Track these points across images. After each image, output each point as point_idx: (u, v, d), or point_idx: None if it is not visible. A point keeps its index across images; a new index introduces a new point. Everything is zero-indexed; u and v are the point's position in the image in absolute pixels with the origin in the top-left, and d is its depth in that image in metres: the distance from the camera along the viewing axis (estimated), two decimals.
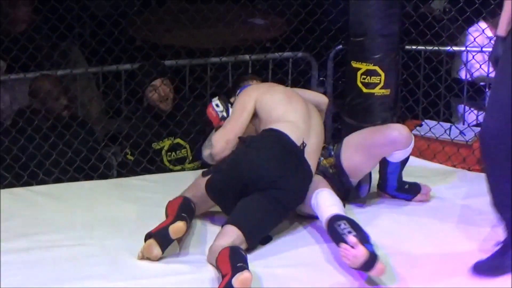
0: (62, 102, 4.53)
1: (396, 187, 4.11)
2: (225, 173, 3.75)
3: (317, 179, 3.87)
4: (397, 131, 3.90)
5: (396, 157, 3.97)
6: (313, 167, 3.83)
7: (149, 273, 3.43)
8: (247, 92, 4.05)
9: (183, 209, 3.69)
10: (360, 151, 3.93)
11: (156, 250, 3.50)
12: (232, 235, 3.52)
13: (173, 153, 4.66)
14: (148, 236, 3.54)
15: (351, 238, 3.35)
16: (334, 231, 3.50)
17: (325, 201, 3.70)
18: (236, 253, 3.37)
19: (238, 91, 4.21)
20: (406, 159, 4.03)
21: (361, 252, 3.29)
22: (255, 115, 3.95)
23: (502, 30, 3.29)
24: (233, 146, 3.87)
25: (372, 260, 3.30)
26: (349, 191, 4.01)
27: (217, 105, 4.05)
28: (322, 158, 3.97)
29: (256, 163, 3.70)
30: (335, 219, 3.54)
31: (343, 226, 3.47)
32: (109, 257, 3.53)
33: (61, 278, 3.36)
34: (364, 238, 3.39)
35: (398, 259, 3.49)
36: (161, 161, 4.62)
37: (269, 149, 3.75)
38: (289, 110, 3.90)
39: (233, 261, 3.29)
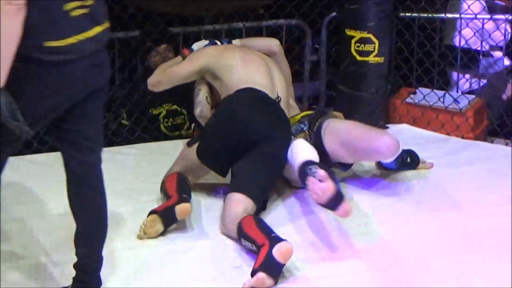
0: None
1: (396, 168, 4.01)
2: (214, 135, 3.70)
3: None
4: (385, 145, 3.67)
5: (383, 161, 3.91)
6: (288, 118, 3.82)
7: (151, 243, 3.42)
8: (203, 50, 4.05)
9: (183, 189, 3.61)
10: (344, 147, 3.74)
11: (159, 226, 3.43)
12: (244, 202, 3.45)
13: (170, 119, 4.65)
14: (152, 213, 3.47)
15: (321, 172, 3.24)
16: (304, 173, 3.34)
17: (299, 150, 3.55)
18: (262, 222, 3.33)
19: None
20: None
21: (329, 186, 3.19)
22: (215, 77, 3.89)
23: None
24: (162, 89, 4.06)
25: (339, 197, 3.21)
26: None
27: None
28: (292, 136, 3.80)
29: (244, 120, 3.65)
30: (307, 164, 3.37)
31: (314, 169, 3.30)
32: None
33: (55, 247, 3.38)
34: (333, 178, 3.25)
35: (396, 232, 3.49)
36: (157, 128, 4.61)
37: (252, 104, 3.71)
38: (251, 70, 3.83)
39: (264, 231, 3.22)
